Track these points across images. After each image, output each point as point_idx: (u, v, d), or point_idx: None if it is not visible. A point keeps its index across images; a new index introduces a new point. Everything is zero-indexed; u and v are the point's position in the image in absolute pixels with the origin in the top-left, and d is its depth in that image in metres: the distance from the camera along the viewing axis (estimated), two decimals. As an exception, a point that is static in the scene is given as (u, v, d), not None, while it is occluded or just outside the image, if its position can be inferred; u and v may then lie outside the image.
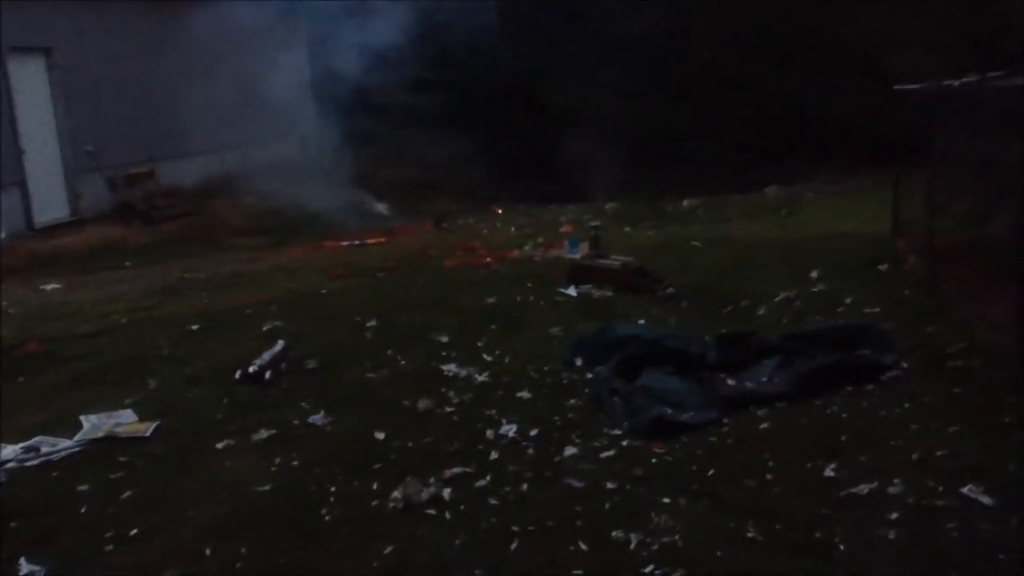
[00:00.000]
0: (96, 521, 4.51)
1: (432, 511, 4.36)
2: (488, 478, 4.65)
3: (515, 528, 4.13)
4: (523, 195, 17.04)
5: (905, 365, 5.76)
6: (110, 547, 4.25)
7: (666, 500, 4.30)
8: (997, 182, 7.17)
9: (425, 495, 4.46)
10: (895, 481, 4.28)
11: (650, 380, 5.48)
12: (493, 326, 7.43)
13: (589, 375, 6.03)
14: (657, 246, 10.74)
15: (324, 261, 11.53)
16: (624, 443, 4.99)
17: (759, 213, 13.42)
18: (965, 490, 4.14)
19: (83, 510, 4.64)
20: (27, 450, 5.40)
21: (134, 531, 4.37)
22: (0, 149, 13.41)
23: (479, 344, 6.97)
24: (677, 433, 5.02)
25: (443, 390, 6.01)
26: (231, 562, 4.05)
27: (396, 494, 4.48)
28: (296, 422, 5.62)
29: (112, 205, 15.55)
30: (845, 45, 17.57)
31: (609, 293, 8.27)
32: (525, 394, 5.87)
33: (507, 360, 6.57)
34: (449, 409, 5.70)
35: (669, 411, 5.15)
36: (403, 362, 6.70)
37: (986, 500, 4.07)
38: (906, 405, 5.18)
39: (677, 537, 3.97)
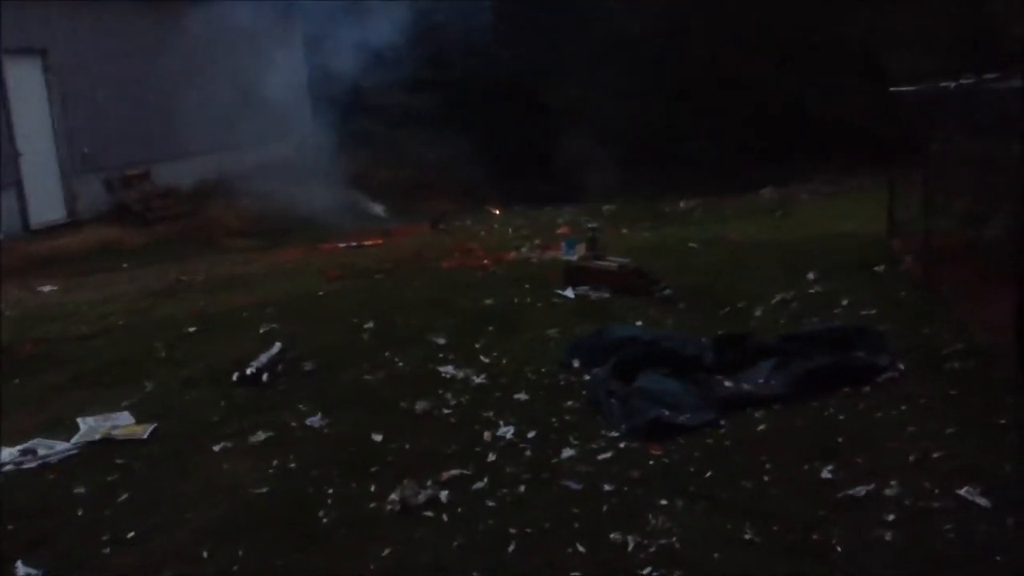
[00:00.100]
0: (93, 523, 4.50)
1: (429, 513, 4.36)
2: (485, 480, 4.66)
3: (512, 530, 4.13)
4: (520, 196, 17.04)
5: (901, 366, 5.76)
6: (107, 549, 4.25)
7: (663, 502, 4.30)
8: (993, 183, 7.19)
9: (422, 497, 4.46)
10: (892, 483, 4.29)
11: (647, 382, 5.48)
12: (490, 328, 7.43)
13: (586, 377, 6.03)
14: (654, 247, 10.75)
15: (321, 263, 11.53)
16: (621, 445, 4.99)
17: (756, 214, 13.42)
18: (962, 492, 4.15)
19: (80, 513, 4.64)
20: (24, 453, 5.40)
21: (131, 533, 4.36)
22: (-4, 151, 13.40)
23: (476, 346, 6.97)
24: (674, 435, 5.02)
25: (440, 392, 6.01)
26: (228, 564, 4.05)
27: (393, 496, 4.48)
28: (293, 424, 5.62)
29: (108, 206, 15.53)
30: (843, 45, 17.56)
31: (606, 294, 8.28)
32: (522, 396, 5.87)
33: (504, 362, 6.57)
34: (446, 411, 5.70)
35: (666, 413, 5.15)
36: (400, 364, 6.70)
37: (983, 502, 4.07)
38: (902, 407, 5.19)
39: (674, 539, 3.98)
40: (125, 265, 12.80)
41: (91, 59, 15.24)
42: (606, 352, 6.12)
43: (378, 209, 18.28)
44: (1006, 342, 5.57)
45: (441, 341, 7.13)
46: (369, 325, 7.71)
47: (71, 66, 14.91)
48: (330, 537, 4.23)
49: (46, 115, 14.72)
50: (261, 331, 7.79)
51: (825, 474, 4.47)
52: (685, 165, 17.79)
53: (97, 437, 5.60)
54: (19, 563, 4.14)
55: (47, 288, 11.00)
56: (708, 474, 4.58)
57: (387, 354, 6.90)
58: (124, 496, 4.79)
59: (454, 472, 4.74)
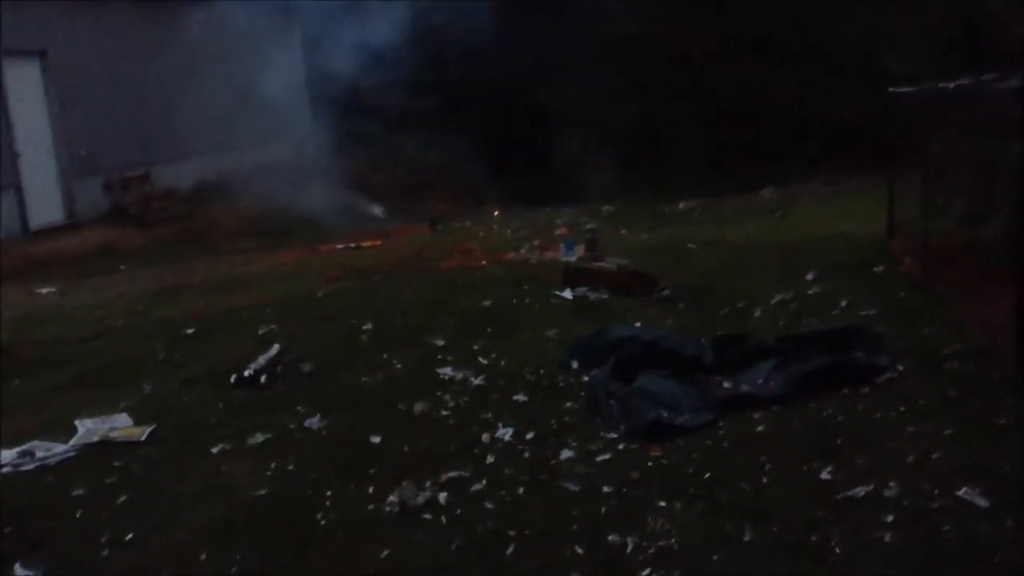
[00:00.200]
0: (91, 525, 4.50)
1: (428, 515, 4.35)
2: (484, 482, 4.65)
3: (511, 532, 4.13)
4: (519, 197, 17.03)
5: (900, 367, 5.76)
6: (105, 551, 4.24)
7: (662, 503, 4.30)
8: (992, 183, 7.19)
9: (421, 499, 4.45)
10: (891, 483, 4.28)
11: (646, 383, 5.47)
12: (489, 329, 7.43)
13: (585, 378, 6.02)
14: (653, 248, 10.75)
15: (320, 264, 11.53)
16: (620, 446, 4.98)
17: (754, 215, 13.43)
18: (961, 492, 4.14)
19: (78, 515, 4.63)
20: (22, 455, 5.39)
21: (129, 535, 4.36)
22: (-5, 152, 13.41)
23: (475, 347, 6.96)
24: (673, 436, 5.01)
25: (439, 393, 6.00)
26: (226, 566, 4.04)
27: (392, 498, 4.47)
28: (292, 426, 5.62)
29: (107, 208, 15.54)
30: (842, 46, 17.57)
31: (605, 295, 8.28)
32: (521, 397, 5.86)
33: (503, 363, 6.56)
34: (445, 412, 5.69)
35: (665, 414, 5.14)
36: (399, 365, 6.69)
37: (982, 502, 4.06)
38: (901, 407, 5.18)
39: (673, 540, 3.97)
40: (124, 267, 12.81)
41: (90, 60, 15.24)
42: (605, 353, 6.11)
43: (377, 210, 18.28)
44: (1005, 342, 5.57)
45: (440, 342, 7.13)
46: (368, 326, 7.71)
47: (70, 67, 14.91)
48: (328, 539, 4.22)
49: (45, 117, 14.73)
50: (260, 332, 7.79)
51: (824, 475, 4.47)
52: (684, 166, 17.80)
53: (95, 439, 5.59)
54: (17, 565, 4.14)
55: (46, 290, 11.00)
56: (707, 475, 4.57)
57: (385, 355, 6.90)
58: (122, 498, 4.79)
59: (453, 474, 4.73)
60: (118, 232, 14.85)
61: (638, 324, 7.24)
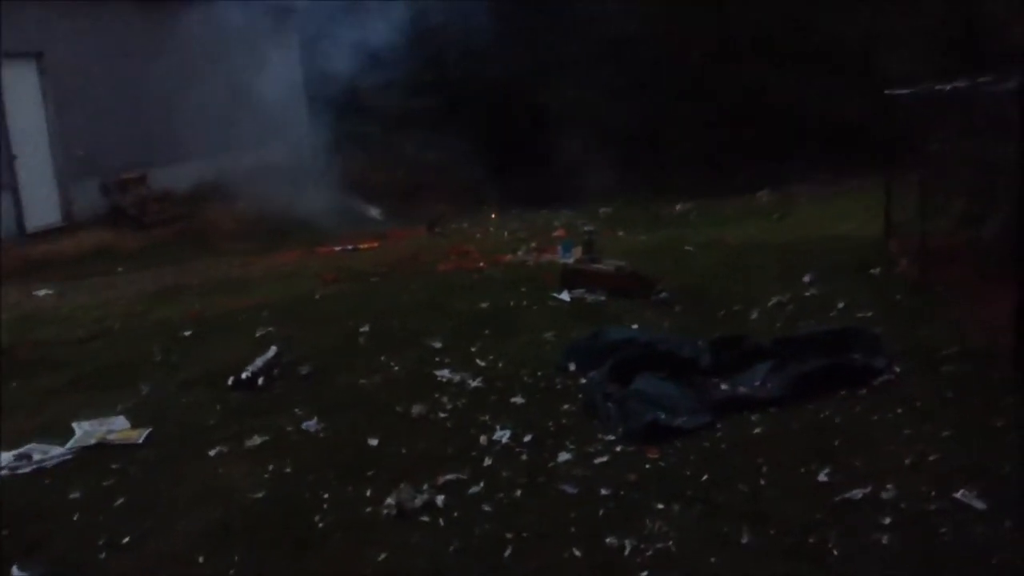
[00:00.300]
0: (88, 528, 4.49)
1: (426, 518, 4.35)
2: (482, 484, 4.65)
3: (509, 535, 4.13)
4: (517, 199, 17.03)
5: (897, 369, 5.76)
6: (103, 554, 4.24)
7: (660, 505, 4.30)
8: (989, 184, 7.20)
9: (418, 501, 4.45)
10: (888, 485, 4.28)
11: (644, 385, 5.48)
12: (486, 331, 7.43)
13: (583, 380, 6.02)
14: (650, 250, 10.75)
15: (317, 266, 11.52)
16: (618, 448, 4.98)
17: (752, 216, 13.45)
18: (959, 494, 4.14)
19: (75, 517, 4.63)
20: (19, 457, 5.39)
21: (126, 538, 4.35)
22: (-8, 155, 13.39)
23: (472, 349, 6.96)
24: (671, 438, 5.01)
25: (436, 395, 6.00)
26: (224, 569, 4.04)
27: (389, 500, 4.47)
28: (289, 428, 5.61)
29: (105, 210, 15.50)
30: (841, 46, 17.55)
31: (602, 297, 8.28)
32: (519, 399, 5.86)
33: (500, 365, 6.56)
34: (442, 415, 5.69)
35: (663, 416, 5.14)
36: (396, 367, 6.69)
37: (979, 504, 4.06)
38: (899, 409, 5.18)
39: (671, 542, 3.97)
40: (121, 268, 12.80)
41: (87, 62, 15.22)
42: (602, 355, 6.12)
43: (374, 212, 18.28)
44: (1003, 343, 5.57)
45: (437, 344, 7.12)
46: (365, 328, 7.70)
47: (67, 69, 14.89)
48: (326, 542, 4.22)
49: (42, 118, 14.70)
50: (257, 334, 7.78)
51: (822, 477, 4.47)
52: (682, 167, 17.79)
53: (92, 442, 5.59)
54: (15, 568, 4.13)
55: (43, 292, 10.98)
56: (704, 477, 4.57)
57: (383, 357, 6.90)
58: (120, 500, 4.78)
59: (450, 476, 4.73)
60: (115, 234, 14.83)
61: (636, 326, 7.25)
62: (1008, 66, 6.42)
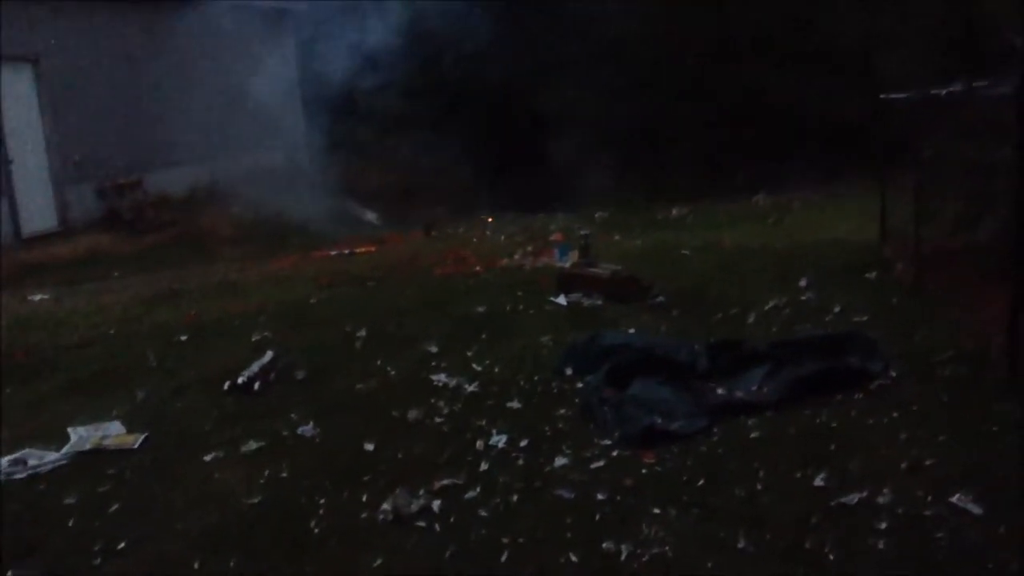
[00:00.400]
0: (84, 534, 4.48)
1: (422, 522, 4.34)
2: (478, 489, 4.64)
3: (505, 539, 4.13)
4: (513, 203, 17.03)
5: (893, 373, 5.76)
6: (98, 560, 4.23)
7: (656, 510, 4.30)
8: (984, 188, 7.21)
9: (415, 506, 4.44)
10: (884, 490, 4.29)
11: (640, 389, 5.47)
12: (483, 335, 7.42)
13: (579, 384, 6.03)
14: (646, 254, 10.75)
15: (313, 270, 11.51)
16: (614, 453, 4.98)
17: (748, 220, 13.44)
18: (954, 498, 4.15)
19: (71, 523, 4.62)
20: (14, 463, 5.38)
21: (122, 544, 4.34)
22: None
23: (469, 353, 6.96)
24: (667, 442, 5.01)
25: (433, 400, 6.00)
26: (220, 574, 4.04)
27: (385, 505, 4.46)
28: (285, 433, 5.61)
29: (100, 215, 15.51)
30: (838, 50, 17.56)
31: (599, 301, 8.27)
32: (515, 404, 5.86)
33: (497, 369, 6.56)
34: (438, 419, 5.69)
35: (659, 420, 5.14)
36: (392, 372, 6.69)
37: (975, 509, 4.07)
38: (895, 413, 5.18)
39: (667, 547, 3.97)
40: (117, 273, 12.78)
41: (83, 67, 15.23)
42: (599, 359, 6.11)
43: (371, 216, 18.28)
44: (999, 342, 5.58)
45: (433, 349, 7.12)
46: (361, 333, 7.69)
47: (63, 73, 14.90)
48: (322, 547, 4.22)
49: (37, 123, 14.70)
50: (253, 339, 7.78)
51: (818, 481, 4.47)
52: (678, 171, 17.80)
53: (88, 447, 5.58)
54: (10, 573, 4.13)
55: (39, 296, 10.97)
56: (701, 482, 4.57)
57: (379, 362, 6.90)
58: (115, 506, 4.78)
59: (446, 481, 4.72)
60: (111, 239, 14.83)
61: (632, 330, 7.24)
62: (1007, 67, 6.44)
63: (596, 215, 15.14)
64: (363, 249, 13.20)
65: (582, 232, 10.04)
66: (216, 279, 11.41)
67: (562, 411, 5.67)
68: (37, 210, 14.50)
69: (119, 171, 15.78)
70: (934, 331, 6.57)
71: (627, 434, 5.10)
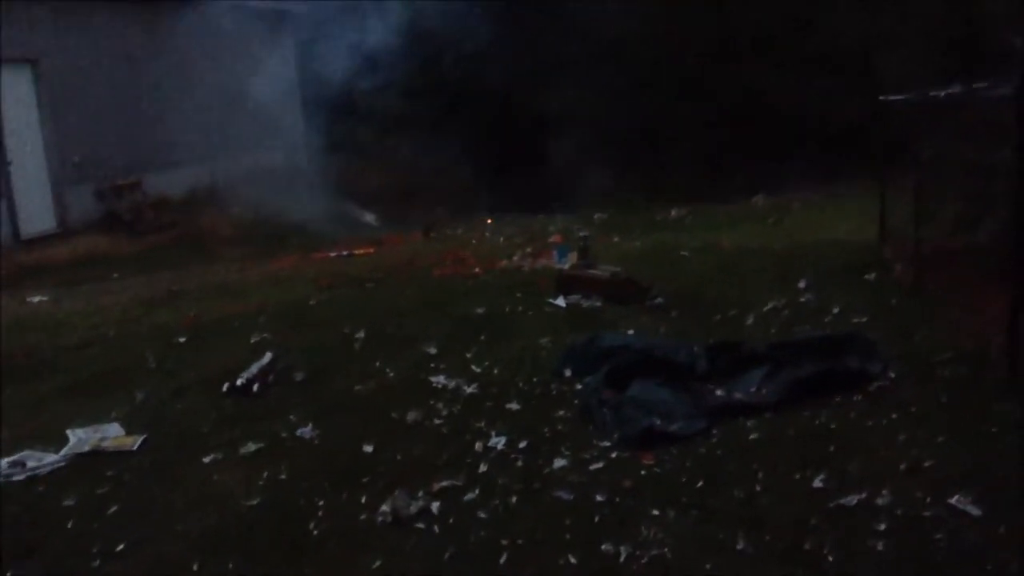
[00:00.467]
0: (82, 536, 4.49)
1: (421, 524, 4.34)
2: (477, 491, 4.64)
3: (504, 541, 4.12)
4: (512, 204, 17.03)
5: (892, 374, 5.76)
6: (97, 562, 4.23)
7: (655, 511, 4.29)
8: (983, 189, 7.21)
9: (414, 508, 4.44)
10: (883, 491, 4.28)
11: (639, 391, 5.47)
12: (482, 336, 7.42)
13: (578, 386, 6.02)
14: (645, 255, 10.74)
15: (312, 271, 11.51)
16: (613, 454, 4.98)
17: (747, 221, 13.44)
18: (953, 500, 4.14)
19: (69, 524, 4.62)
20: (13, 464, 5.38)
21: (121, 546, 4.35)
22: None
23: (468, 355, 6.96)
24: (666, 444, 5.01)
25: (431, 401, 5.99)
26: (218, 576, 4.04)
27: (384, 507, 4.46)
28: (284, 434, 5.61)
29: (99, 216, 15.52)
30: (838, 51, 17.56)
31: (598, 303, 8.27)
32: (514, 405, 5.85)
33: (496, 371, 6.55)
34: (437, 421, 5.68)
35: (658, 422, 5.14)
36: (391, 373, 6.68)
37: (974, 510, 4.07)
38: (894, 414, 5.18)
39: (666, 549, 3.97)
40: (116, 274, 12.78)
41: (82, 68, 15.24)
42: (598, 361, 6.11)
43: (370, 217, 18.28)
44: (999, 342, 5.58)
45: (432, 350, 7.12)
46: (360, 334, 7.69)
47: (62, 75, 14.90)
48: (321, 548, 4.22)
49: (36, 125, 14.71)
50: (252, 340, 7.77)
51: (817, 482, 4.47)
52: (678, 172, 17.80)
53: (87, 449, 5.57)
54: (8, 575, 4.13)
55: (38, 298, 10.97)
56: (700, 483, 4.57)
57: (378, 363, 6.89)
58: (114, 508, 4.78)
59: (445, 483, 4.72)
60: (110, 240, 14.84)
61: (631, 331, 7.23)
62: (1007, 68, 6.44)
63: (595, 216, 15.14)
64: (362, 250, 13.20)
65: (581, 233, 10.04)
66: (215, 280, 11.41)
67: (561, 412, 5.67)
68: (36, 211, 14.50)
69: (118, 172, 15.78)
70: (933, 332, 6.56)
71: (626, 435, 5.10)
